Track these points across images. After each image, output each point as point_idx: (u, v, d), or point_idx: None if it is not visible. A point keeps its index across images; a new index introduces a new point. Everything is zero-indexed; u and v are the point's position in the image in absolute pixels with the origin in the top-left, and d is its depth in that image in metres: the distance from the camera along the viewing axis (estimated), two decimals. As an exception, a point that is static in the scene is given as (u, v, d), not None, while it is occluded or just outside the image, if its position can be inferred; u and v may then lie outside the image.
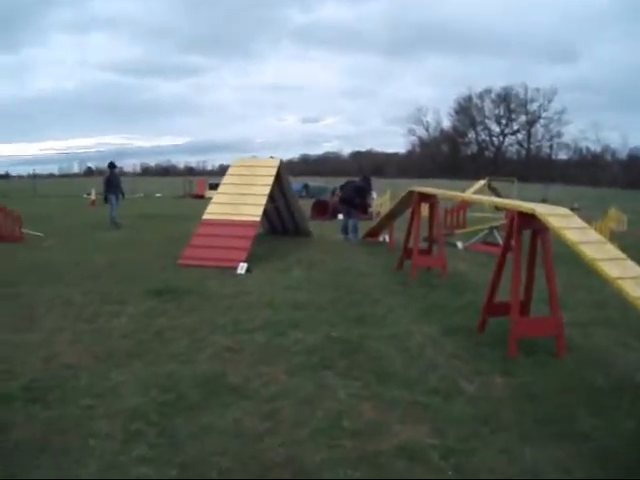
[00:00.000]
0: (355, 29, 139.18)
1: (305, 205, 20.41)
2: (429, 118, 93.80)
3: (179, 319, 6.32)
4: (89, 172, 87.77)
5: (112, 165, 16.37)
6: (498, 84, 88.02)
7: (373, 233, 13.45)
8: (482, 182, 28.61)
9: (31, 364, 4.86)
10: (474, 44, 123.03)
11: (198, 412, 3.98)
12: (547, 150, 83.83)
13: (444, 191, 10.23)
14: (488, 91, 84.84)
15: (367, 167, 59.79)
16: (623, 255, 4.64)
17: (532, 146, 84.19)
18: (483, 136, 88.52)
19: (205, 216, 10.69)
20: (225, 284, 8.16)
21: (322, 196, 27.93)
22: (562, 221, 4.81)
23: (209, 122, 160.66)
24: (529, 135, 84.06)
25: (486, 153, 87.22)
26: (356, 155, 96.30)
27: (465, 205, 17.66)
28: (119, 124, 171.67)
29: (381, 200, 20.32)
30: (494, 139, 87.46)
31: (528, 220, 5.28)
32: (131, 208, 20.66)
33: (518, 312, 5.37)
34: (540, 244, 5.45)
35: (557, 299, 5.39)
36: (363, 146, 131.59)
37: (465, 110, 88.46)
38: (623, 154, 71.92)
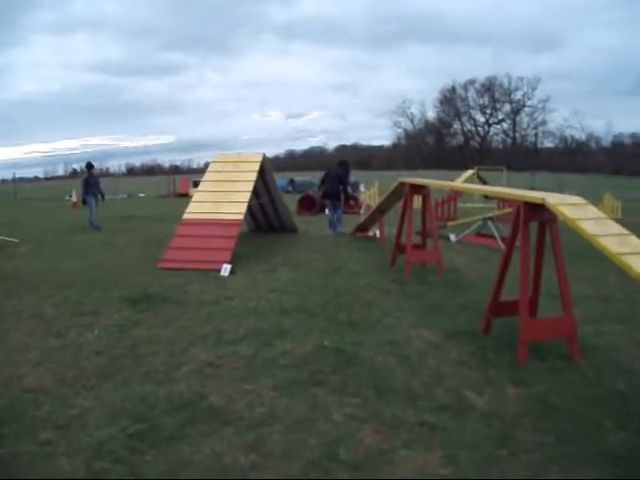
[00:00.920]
0: (337, 23, 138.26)
1: (292, 200, 19.93)
2: (414, 110, 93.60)
3: (156, 330, 5.77)
4: (74, 174, 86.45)
5: (90, 166, 15.72)
6: (482, 74, 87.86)
7: (363, 228, 12.94)
8: (470, 172, 28.25)
9: (-14, 390, 4.31)
10: (457, 35, 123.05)
11: (173, 445, 3.45)
12: (532, 139, 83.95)
13: (437, 181, 9.75)
14: (472, 81, 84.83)
15: (353, 160, 59.21)
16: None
17: (517, 135, 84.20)
18: (468, 126, 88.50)
19: (185, 216, 10.13)
20: (207, 289, 7.61)
21: (309, 191, 27.43)
22: (576, 211, 4.31)
23: (194, 120, 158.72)
24: (514, 124, 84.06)
25: (472, 143, 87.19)
26: (341, 149, 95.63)
27: (456, 196, 17.23)
28: (104, 125, 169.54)
29: (369, 192, 19.77)
30: (479, 129, 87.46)
31: (536, 211, 4.80)
32: (112, 209, 20.02)
33: (527, 313, 4.88)
34: (549, 236, 4.97)
35: (570, 297, 4.92)
36: (348, 140, 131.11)
37: (449, 101, 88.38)
38: (607, 141, 72.11)
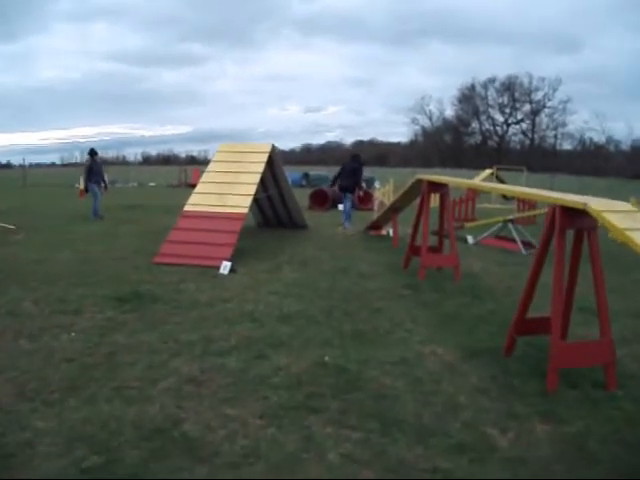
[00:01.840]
0: (357, 18, 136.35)
1: (305, 195, 19.27)
2: (432, 107, 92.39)
3: (138, 336, 5.17)
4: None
5: (93, 152, 15.10)
6: (502, 73, 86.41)
7: (376, 226, 12.28)
8: (489, 171, 27.39)
9: None
10: (478, 33, 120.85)
11: (131, 487, 2.85)
12: (551, 140, 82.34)
13: (457, 179, 9.07)
14: (492, 80, 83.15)
15: (369, 156, 58.52)
16: None
17: (536, 135, 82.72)
18: (487, 125, 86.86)
19: (186, 207, 9.49)
20: (202, 288, 7.00)
21: (323, 185, 26.74)
22: (626, 220, 3.62)
23: (211, 111, 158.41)
24: (533, 124, 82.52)
25: (489, 142, 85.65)
26: (358, 144, 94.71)
27: (474, 195, 16.51)
28: (122, 113, 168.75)
29: (384, 189, 19.07)
30: (497, 128, 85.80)
31: (574, 217, 4.13)
32: (119, 198, 19.55)
33: (560, 335, 4.22)
34: (588, 246, 4.30)
35: (609, 318, 4.25)
36: (365, 135, 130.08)
37: (468, 99, 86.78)
38: (627, 145, 70.68)
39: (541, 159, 67.55)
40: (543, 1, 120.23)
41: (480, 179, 24.65)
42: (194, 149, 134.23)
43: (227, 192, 9.46)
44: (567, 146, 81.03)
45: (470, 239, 11.68)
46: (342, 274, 8.05)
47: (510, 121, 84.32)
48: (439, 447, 3.28)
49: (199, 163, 74.92)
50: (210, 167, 10.41)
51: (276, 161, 11.18)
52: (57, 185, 33.37)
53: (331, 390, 4.00)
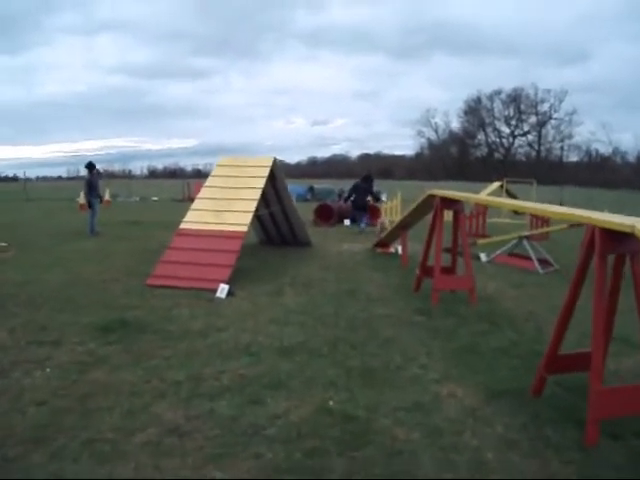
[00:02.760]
0: (364, 31, 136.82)
1: (310, 209, 18.69)
2: (438, 120, 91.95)
3: (120, 373, 4.62)
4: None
5: (91, 166, 14.66)
6: (508, 85, 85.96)
7: (383, 243, 11.70)
8: (497, 184, 26.76)
9: None
10: (484, 45, 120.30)
11: None
12: (557, 152, 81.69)
13: (472, 195, 8.49)
14: (498, 92, 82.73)
15: (375, 169, 58.11)
16: None
17: (542, 147, 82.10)
18: (493, 137, 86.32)
19: (182, 225, 8.93)
20: (196, 314, 6.44)
21: (328, 199, 26.17)
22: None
23: (218, 125, 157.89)
24: (539, 136, 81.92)
25: (495, 155, 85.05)
26: (364, 157, 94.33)
27: (485, 210, 15.92)
28: (128, 127, 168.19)
29: (391, 204, 18.49)
30: (504, 140, 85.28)
31: (618, 240, 3.56)
32: (118, 213, 19.04)
33: (601, 378, 3.64)
34: (633, 273, 3.73)
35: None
36: (371, 148, 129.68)
37: (474, 111, 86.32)
38: (633, 156, 70.01)
39: (548, 171, 66.85)
40: (548, 13, 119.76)
41: (488, 192, 24.04)
42: (200, 162, 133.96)
43: (226, 209, 8.91)
44: (573, 158, 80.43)
45: (483, 257, 11.09)
46: (348, 297, 7.47)
47: (516, 133, 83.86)
48: (466, 524, 2.71)
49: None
50: (209, 182, 9.86)
51: (278, 175, 10.65)
52: (60, 199, 32.91)
53: (336, 445, 3.42)
